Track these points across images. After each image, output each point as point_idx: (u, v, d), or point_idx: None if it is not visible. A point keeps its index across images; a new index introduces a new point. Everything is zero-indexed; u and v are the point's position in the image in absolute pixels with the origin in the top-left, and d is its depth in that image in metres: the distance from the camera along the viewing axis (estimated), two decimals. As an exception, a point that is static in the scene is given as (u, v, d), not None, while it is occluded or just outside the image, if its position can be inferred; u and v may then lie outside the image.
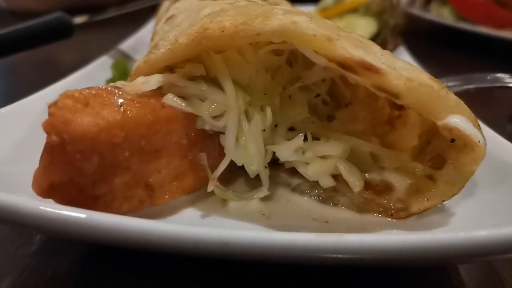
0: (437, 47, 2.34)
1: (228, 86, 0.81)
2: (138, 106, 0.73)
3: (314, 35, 0.68)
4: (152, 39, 1.10)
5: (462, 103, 0.74)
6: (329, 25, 0.72)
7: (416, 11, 2.53)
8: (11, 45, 1.25)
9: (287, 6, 1.26)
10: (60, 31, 1.28)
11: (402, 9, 1.93)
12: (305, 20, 0.70)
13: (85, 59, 2.02)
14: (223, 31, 0.73)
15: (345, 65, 0.68)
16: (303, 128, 0.94)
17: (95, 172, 0.68)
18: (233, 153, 0.82)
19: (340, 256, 0.62)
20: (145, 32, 1.70)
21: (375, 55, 0.71)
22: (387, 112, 0.96)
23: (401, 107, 0.92)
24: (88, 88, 0.72)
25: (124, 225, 0.61)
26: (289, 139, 0.91)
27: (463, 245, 0.59)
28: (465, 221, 0.81)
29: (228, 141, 0.81)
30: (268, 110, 0.85)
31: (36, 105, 1.02)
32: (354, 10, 1.90)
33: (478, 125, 0.75)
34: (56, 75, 1.94)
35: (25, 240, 0.85)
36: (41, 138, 0.93)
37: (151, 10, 1.78)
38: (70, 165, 0.65)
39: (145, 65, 0.81)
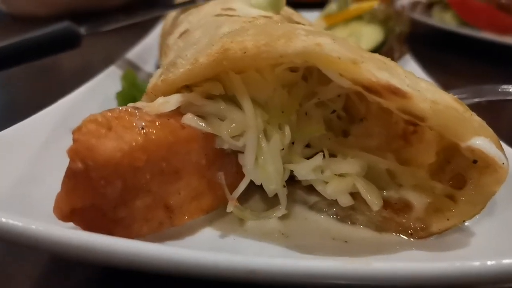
0: (438, 53, 2.34)
1: (247, 105, 0.80)
2: (159, 128, 0.72)
3: (339, 58, 0.67)
4: (164, 52, 1.09)
5: (485, 124, 0.74)
6: (353, 47, 0.72)
7: (418, 16, 2.53)
8: (17, 56, 1.23)
9: (299, 18, 1.26)
10: (67, 42, 1.26)
11: (408, 16, 1.92)
12: (329, 41, 0.70)
13: (86, 66, 2.02)
14: (245, 52, 0.72)
15: (371, 88, 0.68)
16: (319, 144, 0.94)
17: (117, 196, 0.67)
18: (252, 173, 0.81)
19: (369, 284, 0.62)
20: (151, 41, 1.69)
21: (399, 77, 0.70)
22: (402, 127, 0.95)
23: (416, 123, 0.91)
24: (109, 110, 0.71)
25: (146, 251, 0.61)
26: (306, 156, 0.91)
27: (494, 274, 0.59)
28: (485, 241, 0.80)
29: (247, 161, 0.80)
30: (287, 129, 0.84)
31: (45, 123, 1.01)
32: (359, 18, 1.90)
33: (501, 146, 0.74)
34: (56, 83, 1.93)
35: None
36: (52, 158, 0.94)
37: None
38: (93, 190, 0.64)
39: (163, 84, 0.80)
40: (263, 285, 0.65)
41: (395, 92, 0.66)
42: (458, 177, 0.81)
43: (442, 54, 2.30)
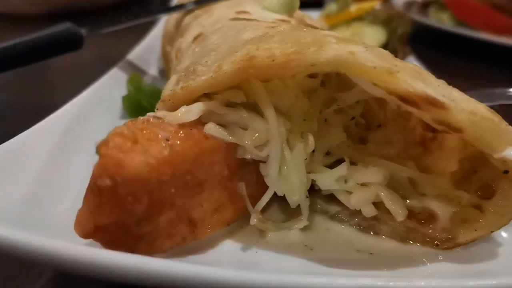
0: (436, 53, 2.33)
1: (270, 113, 0.77)
2: (183, 139, 0.69)
3: (374, 67, 0.65)
4: (174, 57, 1.05)
5: (517, 134, 0.72)
6: (384, 54, 0.69)
7: (414, 15, 2.52)
8: (17, 58, 1.19)
9: (310, 20, 1.23)
10: (69, 43, 1.22)
11: (409, 16, 1.91)
12: (362, 50, 0.67)
13: (82, 67, 1.97)
14: (273, 60, 0.69)
15: (407, 99, 0.65)
16: (339, 152, 0.91)
17: (142, 212, 0.64)
18: (276, 184, 0.78)
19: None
20: (151, 42, 1.64)
21: (434, 87, 0.68)
22: (420, 133, 0.93)
23: (436, 129, 0.89)
24: (132, 121, 0.67)
25: (182, 272, 0.58)
26: (325, 165, 0.89)
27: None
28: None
29: (271, 172, 0.78)
30: (310, 138, 0.81)
31: (51, 131, 0.97)
32: (360, 18, 1.88)
33: (533, 156, 0.72)
34: (51, 83, 1.88)
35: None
36: (63, 169, 0.90)
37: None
38: (120, 207, 0.61)
39: (183, 92, 0.77)
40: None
41: (433, 103, 0.64)
42: (486, 187, 0.79)
43: (440, 54, 2.29)
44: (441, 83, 0.71)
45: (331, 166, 0.89)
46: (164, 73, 1.46)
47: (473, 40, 2.21)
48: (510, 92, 1.32)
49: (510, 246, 0.80)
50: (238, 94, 0.78)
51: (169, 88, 0.85)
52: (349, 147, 0.92)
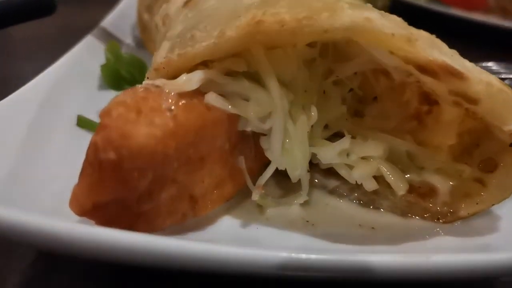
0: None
1: (273, 84, 0.73)
2: (186, 110, 0.64)
3: (393, 35, 0.61)
4: (161, 23, 0.98)
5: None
6: (399, 21, 0.67)
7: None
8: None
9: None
10: (42, 8, 1.13)
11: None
12: (378, 16, 0.64)
13: (41, 33, 1.85)
14: (283, 26, 0.64)
15: (426, 68, 0.63)
16: (337, 125, 0.89)
17: (145, 189, 0.59)
18: (278, 158, 0.75)
19: (428, 276, 0.58)
20: (125, 9, 1.55)
21: (449, 56, 0.65)
22: (414, 106, 0.91)
23: (432, 102, 0.88)
24: (131, 90, 0.62)
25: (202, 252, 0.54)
26: (324, 138, 0.86)
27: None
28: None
29: (275, 146, 0.74)
30: (313, 109, 0.78)
31: (27, 101, 0.89)
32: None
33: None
34: (13, 54, 1.76)
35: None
36: (43, 141, 0.83)
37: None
38: (123, 183, 0.56)
39: (181, 59, 0.72)
40: (316, 282, 0.60)
41: (453, 73, 0.62)
42: (488, 161, 0.78)
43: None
44: (454, 53, 0.69)
45: (329, 139, 0.87)
46: (142, 43, 1.38)
47: (448, 17, 2.21)
48: (489, 66, 1.32)
49: (508, 220, 0.80)
50: (239, 62, 0.73)
51: (161, 55, 0.79)
52: (347, 120, 0.90)
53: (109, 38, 1.30)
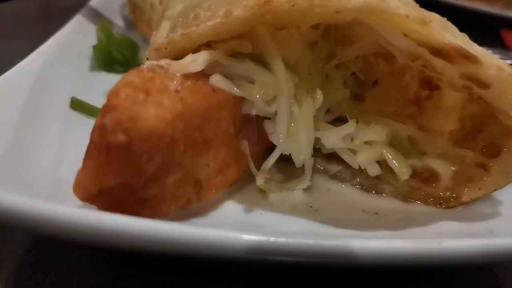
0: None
1: (279, 66, 0.72)
2: (192, 92, 0.62)
3: (408, 16, 0.60)
4: (158, 1, 0.95)
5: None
6: (410, 2, 0.65)
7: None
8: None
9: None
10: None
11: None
12: (391, -3, 0.62)
13: (22, 12, 1.78)
14: (293, 6, 0.62)
15: (441, 51, 0.61)
16: (339, 109, 0.88)
17: (152, 173, 0.57)
18: (284, 143, 0.73)
19: (439, 263, 0.58)
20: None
21: (460, 40, 0.64)
22: (414, 91, 0.90)
23: (433, 87, 0.87)
24: (137, 70, 0.59)
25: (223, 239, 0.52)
26: (327, 122, 0.85)
27: None
28: (512, 210, 0.79)
29: (281, 130, 0.72)
30: (319, 93, 0.76)
31: (18, 82, 0.85)
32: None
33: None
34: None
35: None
36: (36, 124, 0.80)
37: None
38: (132, 167, 0.54)
39: (184, 39, 0.69)
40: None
41: (467, 56, 0.61)
42: (491, 146, 0.78)
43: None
44: (464, 36, 0.68)
45: (331, 123, 0.86)
46: (131, 23, 1.34)
47: (435, 3, 2.19)
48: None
49: (509, 205, 0.80)
50: (244, 43, 0.71)
51: (162, 35, 0.77)
52: (348, 104, 0.89)
53: (98, 17, 1.25)
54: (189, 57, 0.66)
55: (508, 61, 1.28)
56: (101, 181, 0.54)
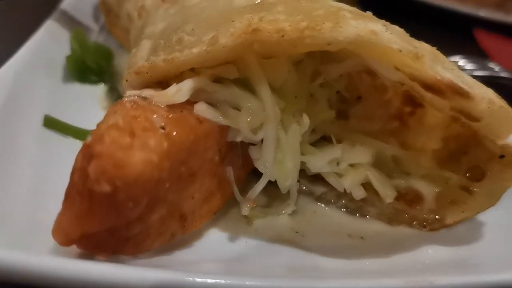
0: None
1: (266, 92, 0.70)
2: (178, 125, 0.59)
3: (400, 51, 0.58)
4: (136, 15, 0.91)
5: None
6: (401, 33, 0.64)
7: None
8: None
9: None
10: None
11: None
12: (382, 29, 0.60)
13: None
14: (283, 36, 0.60)
15: (433, 87, 0.60)
16: (324, 129, 0.86)
17: (137, 214, 0.55)
18: (270, 170, 0.71)
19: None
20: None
21: (451, 72, 0.63)
22: (396, 106, 0.90)
23: (416, 105, 0.87)
24: (120, 106, 0.56)
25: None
26: (311, 142, 0.83)
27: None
28: (495, 232, 0.80)
29: (267, 158, 0.70)
30: (305, 118, 0.75)
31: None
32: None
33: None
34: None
35: None
36: (2, 145, 0.75)
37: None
38: (116, 213, 0.51)
39: (167, 65, 0.66)
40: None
41: (459, 92, 0.60)
42: (476, 169, 0.78)
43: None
44: (453, 66, 0.67)
45: (316, 143, 0.85)
46: (104, 25, 1.29)
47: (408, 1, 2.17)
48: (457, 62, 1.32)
49: (490, 227, 0.81)
50: (230, 69, 0.68)
51: (142, 56, 0.74)
52: (333, 123, 0.87)
53: (70, 21, 1.20)
54: (173, 88, 0.63)
55: (485, 72, 1.31)
56: (83, 227, 0.51)
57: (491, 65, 1.30)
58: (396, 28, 0.65)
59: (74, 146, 0.75)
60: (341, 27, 0.59)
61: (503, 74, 1.27)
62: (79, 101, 1.00)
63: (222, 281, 0.54)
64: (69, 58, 1.01)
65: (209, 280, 0.54)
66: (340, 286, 0.55)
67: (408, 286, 0.56)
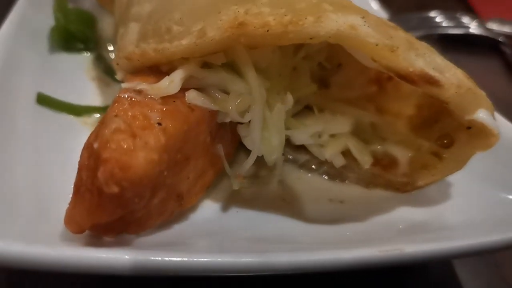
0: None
1: (252, 75, 0.73)
2: (172, 118, 0.64)
3: (376, 45, 0.63)
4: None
5: (485, 96, 0.76)
6: (380, 24, 0.67)
7: None
8: None
9: None
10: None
11: None
12: (361, 22, 0.64)
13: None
14: (267, 31, 0.64)
15: (406, 78, 0.65)
16: (306, 99, 0.91)
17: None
18: (258, 147, 0.77)
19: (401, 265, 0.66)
20: None
21: (424, 58, 0.68)
22: (375, 71, 0.94)
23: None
24: (118, 105, 0.60)
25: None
26: (295, 113, 0.89)
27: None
28: (461, 190, 0.89)
29: (254, 136, 0.76)
30: (289, 96, 0.79)
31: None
32: None
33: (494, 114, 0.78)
34: None
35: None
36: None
37: None
38: (124, 207, 0.57)
39: (158, 54, 0.70)
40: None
41: (430, 81, 0.65)
42: (445, 136, 0.85)
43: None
44: (426, 50, 0.72)
45: (299, 114, 0.90)
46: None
47: None
48: (450, 17, 1.35)
49: (457, 186, 0.89)
50: (218, 55, 0.72)
51: (131, 40, 0.77)
52: (315, 93, 0.92)
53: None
54: (165, 80, 0.67)
55: (460, 30, 1.34)
56: (94, 219, 0.57)
57: (466, 21, 1.34)
58: (375, 18, 0.68)
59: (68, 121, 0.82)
60: (322, 22, 0.63)
61: (477, 32, 1.31)
62: (67, 73, 1.02)
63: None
64: (53, 30, 1.02)
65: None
66: (322, 257, 0.62)
67: (381, 255, 0.64)
